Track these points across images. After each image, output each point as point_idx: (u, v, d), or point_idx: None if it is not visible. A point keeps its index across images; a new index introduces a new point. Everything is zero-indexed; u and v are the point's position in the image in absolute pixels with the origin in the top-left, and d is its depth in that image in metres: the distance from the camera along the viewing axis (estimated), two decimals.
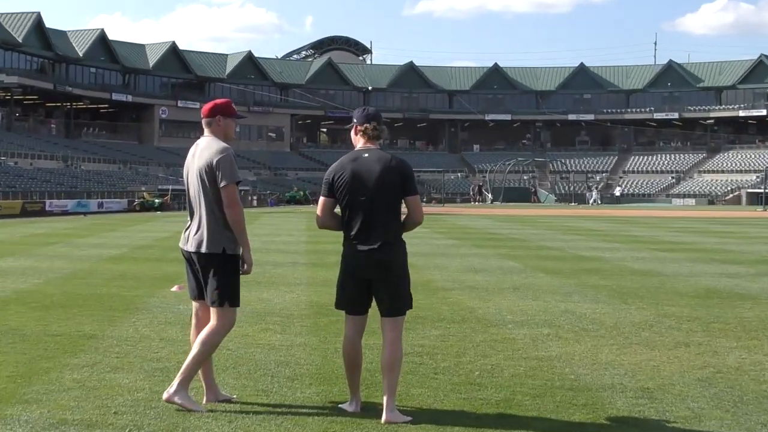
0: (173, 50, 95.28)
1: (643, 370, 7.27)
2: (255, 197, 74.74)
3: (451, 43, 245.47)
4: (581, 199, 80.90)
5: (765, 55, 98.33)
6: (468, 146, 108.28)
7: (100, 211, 54.95)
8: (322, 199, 5.95)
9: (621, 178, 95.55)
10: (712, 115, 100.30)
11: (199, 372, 6.17)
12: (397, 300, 5.79)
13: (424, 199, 79.28)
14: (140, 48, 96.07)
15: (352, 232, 5.80)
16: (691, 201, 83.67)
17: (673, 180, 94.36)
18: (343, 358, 6.03)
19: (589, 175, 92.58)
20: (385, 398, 5.71)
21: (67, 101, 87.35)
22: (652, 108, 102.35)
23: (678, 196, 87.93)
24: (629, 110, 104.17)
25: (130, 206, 58.35)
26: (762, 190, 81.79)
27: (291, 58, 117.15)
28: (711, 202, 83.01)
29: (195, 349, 6.01)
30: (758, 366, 7.54)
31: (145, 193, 60.94)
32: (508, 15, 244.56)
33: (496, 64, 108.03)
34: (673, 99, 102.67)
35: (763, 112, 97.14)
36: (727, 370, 7.35)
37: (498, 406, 6.06)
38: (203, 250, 5.96)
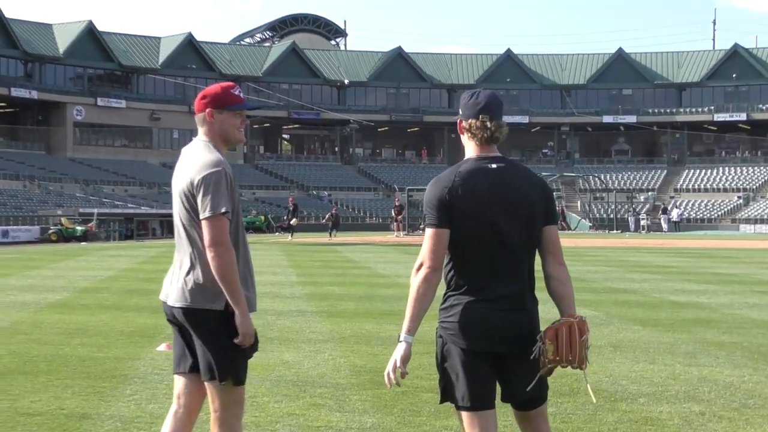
0: (90, 32, 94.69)
1: None
2: None
3: (442, 24, 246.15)
4: (624, 226, 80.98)
5: None
6: None
7: (5, 241, 54.49)
8: (434, 231, 5.11)
9: (673, 197, 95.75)
10: None
11: None
12: (542, 381, 5.13)
13: (421, 226, 79.17)
14: (47, 29, 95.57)
15: (480, 282, 5.05)
16: (765, 228, 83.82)
17: (740, 200, 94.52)
18: None
19: (632, 195, 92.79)
20: None
21: None
22: (712, 107, 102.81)
23: (747, 221, 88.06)
24: (682, 110, 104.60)
25: (44, 235, 57.93)
26: None
27: (242, 42, 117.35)
28: None
29: None
30: None
31: (62, 219, 60.48)
32: None
33: (508, 50, 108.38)
34: (739, 95, 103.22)
35: None
36: None
37: None
38: (189, 303, 5.43)
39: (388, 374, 5.08)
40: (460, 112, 5.30)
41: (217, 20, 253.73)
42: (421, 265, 5.09)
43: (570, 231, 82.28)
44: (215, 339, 5.38)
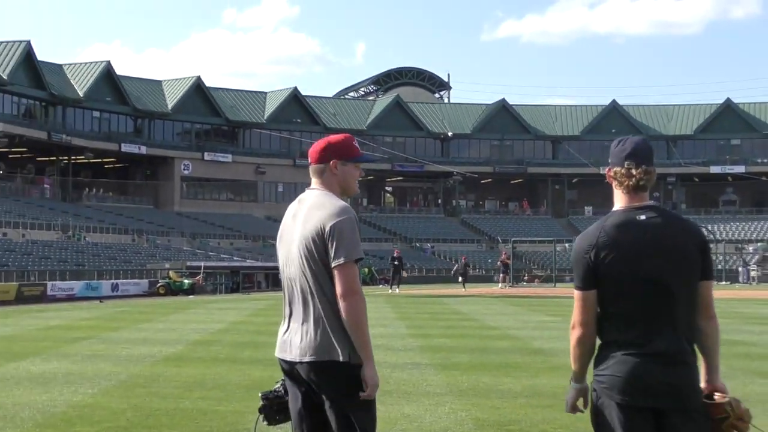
0: (198, 88, 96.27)
1: None
2: None
3: (546, 75, 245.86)
4: (733, 277, 79.64)
5: None
6: (578, 208, 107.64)
7: (115, 294, 55.14)
8: (582, 294, 4.98)
9: None
10: None
11: None
12: None
13: (525, 277, 78.72)
14: (155, 85, 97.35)
15: (634, 337, 4.84)
16: None
17: None
18: None
19: (741, 246, 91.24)
20: None
21: (64, 154, 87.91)
22: None
23: None
24: None
25: (152, 288, 58.57)
26: None
27: (347, 96, 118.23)
28: None
29: None
30: None
31: (170, 272, 61.07)
32: (619, 38, 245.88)
33: (614, 101, 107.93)
34: None
35: None
36: None
37: None
38: (321, 357, 5.20)
39: (572, 410, 5.26)
40: (609, 161, 5.15)
41: (322, 75, 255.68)
42: (573, 326, 5.03)
43: None
44: (352, 393, 5.19)
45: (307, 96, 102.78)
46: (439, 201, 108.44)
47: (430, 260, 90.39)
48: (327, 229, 5.20)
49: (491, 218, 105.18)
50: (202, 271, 62.48)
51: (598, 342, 5.02)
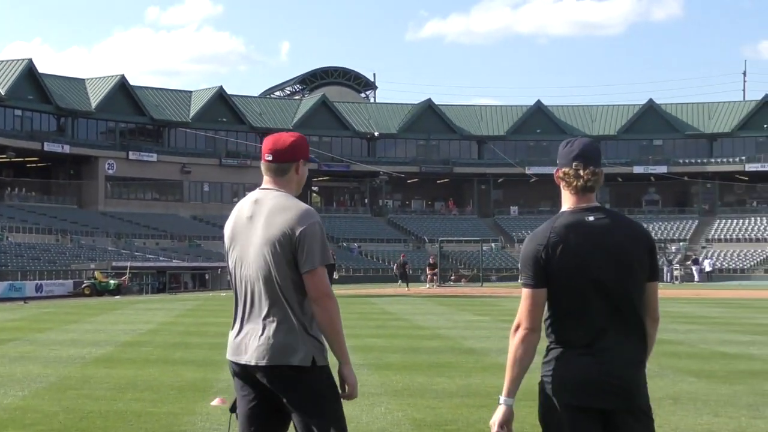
0: (122, 86, 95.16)
1: None
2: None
3: (471, 75, 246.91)
4: None
5: None
6: (503, 208, 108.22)
7: (39, 295, 54.62)
8: (530, 292, 4.91)
9: (705, 248, 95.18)
10: None
11: None
12: None
13: (452, 276, 78.97)
14: (79, 84, 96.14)
15: (583, 337, 4.84)
16: None
17: None
18: None
19: (664, 245, 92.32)
20: None
21: None
22: (744, 157, 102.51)
23: None
24: (713, 160, 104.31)
25: (78, 289, 58.07)
26: None
27: (272, 95, 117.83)
28: None
29: None
30: None
31: (96, 273, 60.58)
32: (542, 39, 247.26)
33: (539, 102, 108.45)
34: None
35: None
36: None
37: None
38: (283, 361, 5.10)
39: None
40: (557, 162, 5.14)
41: (246, 74, 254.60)
42: (518, 326, 4.92)
43: None
44: (320, 395, 5.15)
45: (232, 95, 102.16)
46: (366, 201, 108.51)
47: (357, 260, 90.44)
48: (297, 234, 5.10)
49: (417, 218, 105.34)
50: (128, 271, 62.02)
51: (546, 343, 5.00)
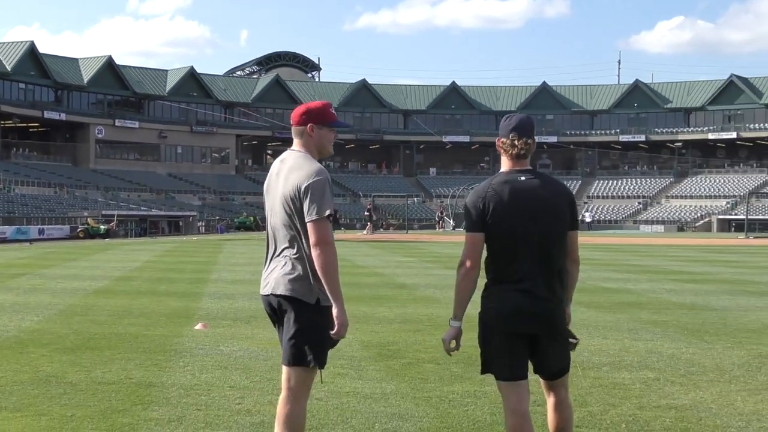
0: (109, 65, 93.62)
1: None
2: (203, 223, 73.91)
3: (398, 59, 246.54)
4: None
5: (735, 76, 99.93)
6: (424, 169, 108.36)
7: (41, 238, 53.96)
8: (471, 236, 4.95)
9: (586, 203, 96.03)
10: (680, 137, 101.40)
11: None
12: (566, 357, 5.06)
13: (381, 225, 79.06)
14: (73, 62, 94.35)
15: (514, 276, 4.87)
16: (660, 228, 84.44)
17: (640, 206, 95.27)
18: None
19: None
20: None
21: None
22: (618, 130, 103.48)
23: (646, 222, 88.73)
24: (594, 132, 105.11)
25: (73, 233, 57.43)
26: (733, 217, 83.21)
27: (235, 74, 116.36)
28: (681, 229, 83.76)
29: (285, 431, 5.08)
30: None
31: (89, 219, 59.90)
32: (456, 30, 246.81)
33: (453, 82, 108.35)
34: (639, 120, 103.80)
35: (733, 135, 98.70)
36: None
37: None
38: (290, 293, 5.03)
39: (447, 351, 5.08)
40: (498, 133, 5.16)
41: (212, 56, 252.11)
42: (462, 263, 4.97)
43: None
44: (311, 327, 5.03)
45: (201, 74, 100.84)
46: None
47: None
48: (302, 188, 5.00)
49: (354, 177, 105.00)
50: (115, 218, 61.46)
51: (484, 280, 5.04)
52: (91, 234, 56.41)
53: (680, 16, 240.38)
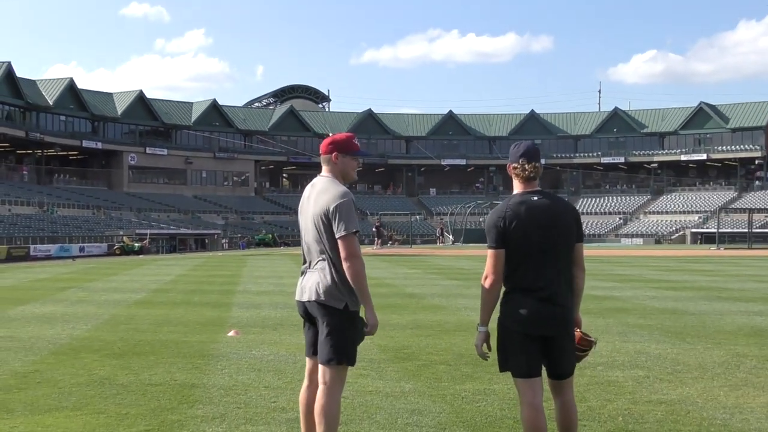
0: (140, 98, 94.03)
1: None
2: (226, 240, 73.95)
3: (399, 91, 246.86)
4: None
5: (704, 103, 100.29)
6: (425, 190, 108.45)
7: (82, 255, 54.09)
8: (494, 252, 5.03)
9: None
10: (655, 159, 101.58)
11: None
12: (572, 359, 5.15)
13: (389, 241, 79.02)
14: (108, 96, 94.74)
15: (532, 285, 4.99)
16: (639, 240, 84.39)
17: (621, 221, 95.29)
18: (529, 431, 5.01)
19: None
20: None
21: (38, 148, 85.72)
22: (599, 152, 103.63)
23: (626, 236, 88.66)
24: (578, 155, 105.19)
25: (110, 250, 57.51)
26: (705, 230, 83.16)
27: (253, 105, 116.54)
28: (658, 242, 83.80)
29: (321, 423, 5.20)
30: None
31: (125, 238, 60.02)
32: (451, 64, 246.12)
33: (450, 111, 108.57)
34: (618, 144, 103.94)
35: (703, 157, 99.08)
36: None
37: None
38: (322, 299, 5.19)
39: (480, 354, 5.18)
40: (509, 159, 5.27)
41: (230, 89, 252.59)
42: (486, 277, 5.06)
43: None
44: (340, 329, 5.19)
45: (223, 105, 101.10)
46: None
47: None
48: (331, 209, 5.16)
49: (361, 197, 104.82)
50: (148, 236, 61.59)
51: (503, 290, 5.13)
52: (126, 251, 56.54)
53: (653, 50, 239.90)
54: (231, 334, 12.15)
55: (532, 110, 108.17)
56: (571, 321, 5.10)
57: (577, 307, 5.25)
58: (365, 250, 53.85)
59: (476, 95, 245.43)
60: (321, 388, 5.26)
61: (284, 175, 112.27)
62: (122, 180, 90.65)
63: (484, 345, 5.15)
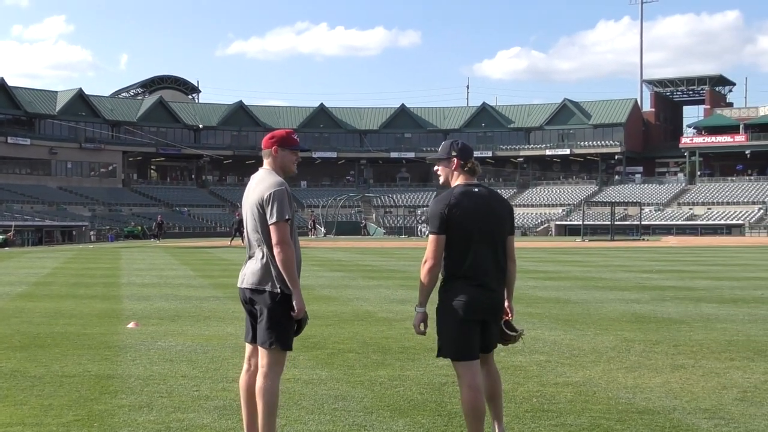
0: (1, 86, 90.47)
1: (678, 393, 7.49)
2: (93, 232, 72.12)
3: (269, 83, 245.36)
4: (411, 232, 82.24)
5: (568, 100, 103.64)
6: (296, 182, 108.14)
7: None
8: (435, 237, 5.28)
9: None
10: (521, 153, 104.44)
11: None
12: (497, 335, 5.54)
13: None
14: None
15: (471, 271, 5.27)
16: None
17: None
18: (469, 412, 5.27)
19: (414, 209, 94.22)
20: (497, 425, 5.63)
21: None
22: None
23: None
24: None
25: None
26: (569, 222, 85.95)
27: (120, 95, 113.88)
28: (524, 234, 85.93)
29: (260, 404, 5.42)
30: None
31: None
32: (319, 57, 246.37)
33: (322, 104, 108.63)
34: (486, 138, 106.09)
35: (567, 152, 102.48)
36: (751, 388, 7.67)
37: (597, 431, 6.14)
38: (257, 286, 5.42)
39: (418, 332, 5.44)
40: (453, 154, 5.56)
41: (94, 78, 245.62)
42: (426, 261, 5.32)
43: (369, 236, 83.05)
44: (275, 314, 5.39)
45: (89, 95, 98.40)
46: (193, 176, 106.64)
47: (187, 220, 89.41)
48: (265, 197, 5.37)
49: (232, 189, 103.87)
50: (13, 228, 59.46)
51: (442, 277, 5.40)
52: None
53: (517, 47, 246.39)
54: (131, 325, 12.06)
55: (403, 104, 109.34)
56: (503, 307, 5.48)
57: (511, 294, 5.60)
58: (235, 242, 53.40)
59: (346, 88, 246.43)
60: (260, 371, 5.48)
61: (152, 166, 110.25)
62: None
63: (422, 324, 5.40)
